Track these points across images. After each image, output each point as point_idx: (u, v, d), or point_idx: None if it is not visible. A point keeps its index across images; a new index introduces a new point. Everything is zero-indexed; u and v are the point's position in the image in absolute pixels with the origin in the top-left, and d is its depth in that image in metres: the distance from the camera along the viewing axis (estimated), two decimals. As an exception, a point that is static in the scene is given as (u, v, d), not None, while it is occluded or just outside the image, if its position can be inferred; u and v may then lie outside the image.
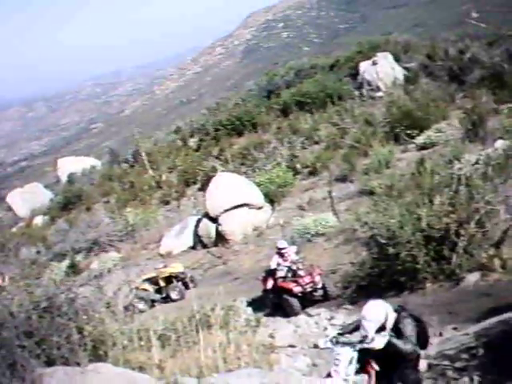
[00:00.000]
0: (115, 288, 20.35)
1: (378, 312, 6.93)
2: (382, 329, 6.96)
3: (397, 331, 6.95)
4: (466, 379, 8.03)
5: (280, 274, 15.63)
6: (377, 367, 7.02)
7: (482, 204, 13.08)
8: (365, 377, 6.99)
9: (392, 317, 6.97)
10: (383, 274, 13.64)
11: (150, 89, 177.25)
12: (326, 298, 15.35)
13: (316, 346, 8.03)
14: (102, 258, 30.01)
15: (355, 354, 6.95)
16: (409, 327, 7.06)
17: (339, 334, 7.41)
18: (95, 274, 26.81)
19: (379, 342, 6.80)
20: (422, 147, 26.06)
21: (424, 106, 28.97)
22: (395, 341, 6.92)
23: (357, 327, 7.46)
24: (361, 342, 6.96)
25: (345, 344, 7.08)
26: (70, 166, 58.02)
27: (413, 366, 7.10)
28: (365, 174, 24.81)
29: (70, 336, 7.70)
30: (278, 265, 15.79)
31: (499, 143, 21.00)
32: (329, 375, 7.11)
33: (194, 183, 37.78)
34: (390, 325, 6.97)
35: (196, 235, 26.99)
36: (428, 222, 13.01)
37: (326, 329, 12.83)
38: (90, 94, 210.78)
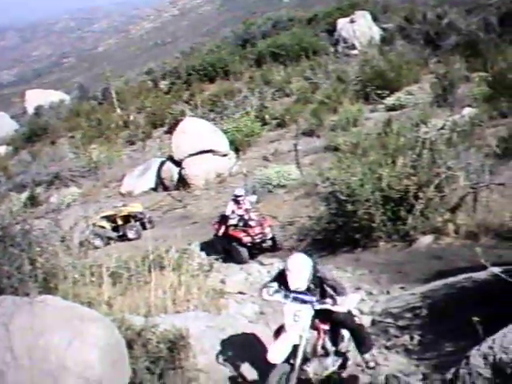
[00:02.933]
0: (72, 223, 20.26)
1: (306, 275, 6.97)
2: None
3: (315, 278, 7.02)
4: (407, 337, 8.15)
5: (232, 221, 15.75)
6: (327, 326, 7.09)
7: (443, 169, 13.13)
8: (314, 333, 7.04)
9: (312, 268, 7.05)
10: (339, 230, 13.73)
11: (126, 27, 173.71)
12: (274, 248, 15.49)
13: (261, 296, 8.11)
14: (62, 193, 29.82)
15: (313, 313, 6.98)
16: (327, 272, 7.15)
17: (280, 285, 7.38)
18: (53, 207, 26.58)
19: (344, 307, 6.85)
20: (391, 108, 26.16)
21: (397, 68, 29.03)
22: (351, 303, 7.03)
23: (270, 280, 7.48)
24: (322, 302, 6.97)
25: (304, 301, 7.07)
26: (38, 98, 57.05)
27: (350, 320, 7.20)
28: (332, 130, 24.88)
29: (22, 266, 7.61)
30: (233, 212, 15.88)
31: (467, 110, 21.14)
32: (280, 328, 7.13)
33: (162, 126, 37.60)
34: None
35: (158, 177, 27.02)
36: (388, 183, 13.03)
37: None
38: (65, 27, 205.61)
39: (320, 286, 7.03)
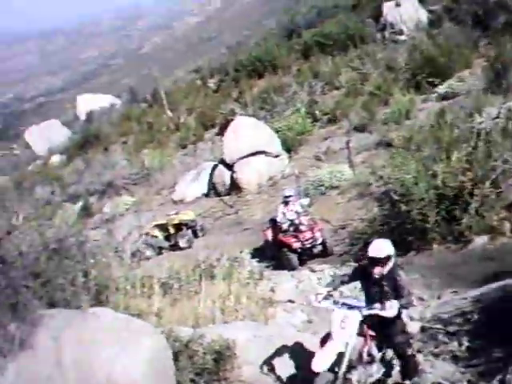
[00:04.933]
0: (125, 233, 20.68)
1: (388, 249, 7.03)
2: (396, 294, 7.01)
3: (389, 277, 7.02)
4: (456, 343, 8.09)
5: (282, 226, 15.67)
6: (373, 333, 7.11)
7: (500, 163, 12.91)
8: (361, 340, 7.06)
9: (393, 260, 7.08)
10: (392, 232, 13.43)
11: (170, 24, 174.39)
12: (325, 253, 15.38)
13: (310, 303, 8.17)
14: (115, 202, 30.22)
15: (361, 318, 7.01)
16: (404, 278, 7.16)
17: (329, 292, 7.44)
18: (107, 217, 27.02)
19: (392, 311, 6.86)
20: (444, 97, 25.60)
21: (447, 53, 28.36)
22: (402, 310, 7.02)
23: (346, 280, 7.52)
24: (370, 307, 7.00)
25: (351, 307, 7.11)
26: (89, 103, 57.89)
27: (400, 328, 7.19)
28: (384, 123, 24.59)
29: (76, 279, 7.81)
30: (284, 215, 15.77)
31: (522, 96, 20.58)
32: (327, 336, 7.18)
33: (213, 126, 37.43)
34: (390, 266, 7.04)
35: (211, 182, 26.87)
36: (443, 180, 12.90)
37: (325, 285, 12.92)
38: (110, 27, 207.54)
39: (393, 288, 7.05)
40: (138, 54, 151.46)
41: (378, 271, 7.02)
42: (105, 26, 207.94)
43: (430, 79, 27.39)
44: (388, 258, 7.00)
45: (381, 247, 7.01)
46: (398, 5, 39.74)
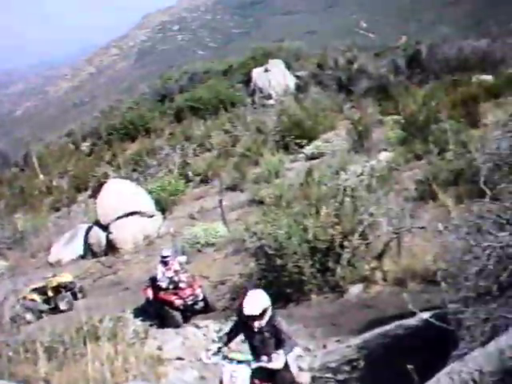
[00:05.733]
0: (1, 298, 19.71)
1: (262, 303, 7.03)
2: (278, 340, 7.04)
3: (268, 326, 7.07)
4: (347, 391, 8.25)
5: (162, 284, 15.50)
6: None
7: (366, 216, 13.44)
8: None
9: (270, 309, 7.12)
10: (271, 286, 13.51)
11: (43, 88, 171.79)
12: (207, 309, 15.36)
13: (201, 359, 8.10)
14: (-11, 266, 28.80)
15: (250, 372, 7.01)
16: (283, 324, 7.21)
17: (219, 348, 7.42)
18: (-20, 283, 25.69)
19: (279, 363, 6.88)
20: (311, 157, 26.65)
21: (313, 116, 29.73)
22: (288, 360, 7.06)
23: (232, 335, 7.52)
24: (258, 360, 7.01)
25: (240, 361, 7.10)
26: (-45, 168, 55.30)
27: (288, 379, 7.24)
28: (255, 183, 25.10)
29: None
30: (163, 274, 15.67)
31: (383, 155, 21.80)
32: None
33: (86, 189, 37.22)
34: (268, 316, 7.07)
35: (86, 243, 26.41)
36: (314, 233, 13.20)
37: (214, 341, 12.86)
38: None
39: (275, 335, 7.06)
40: (9, 118, 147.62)
41: (257, 324, 7.07)
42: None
43: (298, 140, 28.40)
44: (264, 311, 7.04)
45: (255, 303, 7.00)
46: (266, 70, 41.29)
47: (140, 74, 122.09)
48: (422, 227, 13.77)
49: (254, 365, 7.00)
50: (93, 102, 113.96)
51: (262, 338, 7.14)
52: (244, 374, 6.94)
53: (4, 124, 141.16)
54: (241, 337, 7.67)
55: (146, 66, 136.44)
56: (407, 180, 18.30)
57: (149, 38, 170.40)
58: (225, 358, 7.24)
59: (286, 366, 7.15)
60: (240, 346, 8.64)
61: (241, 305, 7.07)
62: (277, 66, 41.82)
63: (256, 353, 7.23)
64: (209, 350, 7.50)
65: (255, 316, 6.97)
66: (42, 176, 43.09)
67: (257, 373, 7.02)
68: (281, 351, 6.88)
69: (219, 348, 7.40)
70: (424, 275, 11.78)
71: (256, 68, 42.75)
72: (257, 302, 7.02)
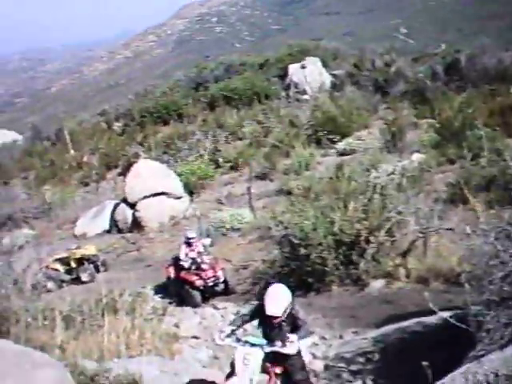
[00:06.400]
0: (25, 265, 20.00)
1: (284, 303, 7.03)
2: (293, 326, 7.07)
3: (288, 316, 7.10)
4: (360, 382, 8.23)
5: (184, 264, 15.71)
6: (278, 370, 7.14)
7: (394, 214, 13.43)
8: (266, 377, 7.08)
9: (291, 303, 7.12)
10: (292, 274, 13.76)
11: (79, 69, 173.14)
12: (227, 292, 15.53)
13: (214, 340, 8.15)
14: (15, 234, 29.15)
15: (263, 356, 7.04)
16: (301, 312, 7.22)
17: (233, 330, 7.45)
18: (6, 249, 26.05)
19: (292, 348, 6.90)
20: (342, 153, 26.66)
21: (347, 113, 29.66)
22: (302, 346, 7.09)
23: (248, 318, 7.56)
24: (271, 345, 7.04)
25: (254, 345, 7.14)
26: (-10, 138, 55.96)
27: (300, 365, 7.26)
28: (285, 174, 25.23)
29: None
30: (186, 255, 15.85)
31: (415, 156, 21.69)
32: (232, 372, 7.16)
33: (116, 167, 37.48)
34: (288, 311, 7.09)
35: (112, 219, 26.78)
36: (340, 227, 13.24)
37: (229, 323, 12.92)
38: (17, 67, 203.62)
39: (292, 323, 7.10)
40: (44, 94, 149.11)
41: (277, 321, 7.10)
42: (12, 65, 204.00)
43: (330, 136, 28.44)
44: (285, 310, 7.05)
45: (278, 303, 6.96)
46: (303, 67, 41.22)
47: (176, 62, 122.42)
48: (450, 229, 13.71)
49: (268, 349, 7.02)
50: (128, 85, 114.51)
51: (279, 327, 7.17)
52: (257, 357, 6.96)
53: (39, 100, 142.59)
54: (256, 321, 7.71)
55: (183, 55, 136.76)
56: (438, 182, 18.23)
57: (187, 27, 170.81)
58: (238, 340, 7.27)
59: (299, 352, 7.18)
60: (254, 330, 8.71)
61: (262, 290, 7.09)
62: (314, 63, 41.68)
63: (270, 337, 7.26)
64: (222, 331, 7.52)
65: (277, 316, 7.01)
66: (72, 151, 43.39)
67: (269, 357, 7.05)
68: (295, 337, 6.90)
69: (233, 330, 7.43)
70: (448, 276, 11.80)
71: (292, 64, 42.69)
72: (279, 301, 6.99)
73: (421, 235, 13.29)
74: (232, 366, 7.21)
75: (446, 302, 9.34)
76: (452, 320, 6.92)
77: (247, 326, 8.49)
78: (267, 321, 7.16)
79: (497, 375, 5.27)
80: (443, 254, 12.67)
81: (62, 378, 6.46)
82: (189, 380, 8.34)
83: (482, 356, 5.90)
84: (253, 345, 7.11)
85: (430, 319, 8.67)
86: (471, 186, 16.14)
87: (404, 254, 13.23)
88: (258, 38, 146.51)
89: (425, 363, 6.13)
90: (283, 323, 7.11)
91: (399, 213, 13.50)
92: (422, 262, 12.79)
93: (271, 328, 7.23)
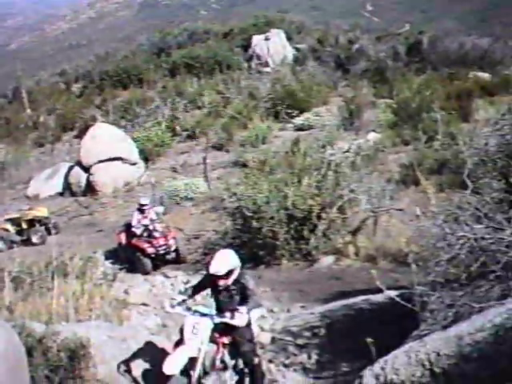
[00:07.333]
0: (-27, 225, 19.71)
1: (229, 265, 7.06)
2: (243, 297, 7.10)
3: (236, 284, 7.14)
4: (305, 356, 8.34)
5: (136, 231, 15.65)
6: (226, 340, 7.18)
7: (346, 191, 13.57)
8: (214, 347, 7.12)
9: (238, 270, 7.15)
10: (244, 246, 13.76)
11: (41, 26, 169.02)
12: (177, 260, 15.52)
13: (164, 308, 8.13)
14: (-35, 193, 28.68)
15: (212, 326, 7.06)
16: (251, 282, 7.26)
17: (184, 299, 7.46)
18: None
19: (241, 320, 6.93)
20: (300, 128, 26.76)
21: (307, 89, 29.70)
22: (251, 318, 7.12)
23: (198, 288, 7.58)
24: (221, 316, 7.06)
25: (204, 314, 7.15)
26: None
27: (247, 337, 7.32)
28: (241, 145, 25.16)
29: None
30: (138, 222, 15.78)
31: (371, 135, 21.91)
32: (180, 340, 7.18)
33: (72, 129, 37.01)
34: (234, 276, 7.12)
35: (66, 182, 26.51)
36: (293, 202, 13.29)
37: (180, 292, 12.93)
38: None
39: (242, 292, 7.11)
40: (2, 51, 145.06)
41: (222, 283, 7.10)
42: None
43: (289, 110, 28.50)
44: (230, 271, 7.06)
45: (221, 263, 6.98)
46: (267, 39, 41.06)
47: (140, 26, 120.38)
48: (400, 209, 13.94)
49: (217, 319, 7.03)
50: (89, 46, 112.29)
51: (229, 295, 7.19)
52: (206, 326, 6.97)
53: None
54: (207, 291, 7.72)
55: (147, 19, 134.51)
56: (392, 163, 18.46)
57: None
58: (188, 309, 7.28)
59: (249, 323, 7.23)
60: (205, 300, 8.73)
61: (209, 262, 7.09)
62: (277, 35, 41.59)
63: (220, 308, 7.29)
64: (173, 299, 7.54)
65: (221, 275, 7.01)
66: (29, 111, 42.74)
67: (218, 327, 7.08)
68: (244, 309, 6.92)
69: (184, 300, 7.43)
70: (396, 255, 11.95)
71: (257, 35, 42.48)
72: (224, 261, 7.01)
73: (372, 214, 13.46)
74: (181, 333, 7.23)
75: (392, 281, 9.47)
76: (398, 299, 7.03)
77: (198, 297, 8.51)
78: (213, 284, 7.18)
79: (438, 354, 5.37)
80: (392, 234, 12.83)
81: (9, 338, 6.36)
82: (138, 347, 8.33)
83: (425, 335, 6.01)
84: (203, 315, 7.12)
85: (377, 297, 8.81)
86: (424, 168, 16.41)
87: (354, 232, 13.40)
88: (224, 7, 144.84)
89: (369, 340, 6.22)
90: (232, 291, 7.13)
91: (352, 191, 13.66)
92: (371, 241, 12.97)
93: (219, 293, 7.24)
